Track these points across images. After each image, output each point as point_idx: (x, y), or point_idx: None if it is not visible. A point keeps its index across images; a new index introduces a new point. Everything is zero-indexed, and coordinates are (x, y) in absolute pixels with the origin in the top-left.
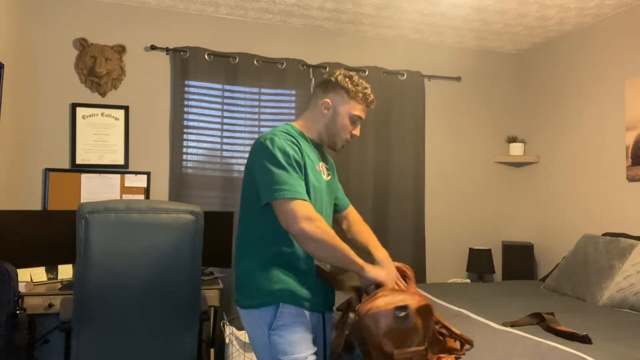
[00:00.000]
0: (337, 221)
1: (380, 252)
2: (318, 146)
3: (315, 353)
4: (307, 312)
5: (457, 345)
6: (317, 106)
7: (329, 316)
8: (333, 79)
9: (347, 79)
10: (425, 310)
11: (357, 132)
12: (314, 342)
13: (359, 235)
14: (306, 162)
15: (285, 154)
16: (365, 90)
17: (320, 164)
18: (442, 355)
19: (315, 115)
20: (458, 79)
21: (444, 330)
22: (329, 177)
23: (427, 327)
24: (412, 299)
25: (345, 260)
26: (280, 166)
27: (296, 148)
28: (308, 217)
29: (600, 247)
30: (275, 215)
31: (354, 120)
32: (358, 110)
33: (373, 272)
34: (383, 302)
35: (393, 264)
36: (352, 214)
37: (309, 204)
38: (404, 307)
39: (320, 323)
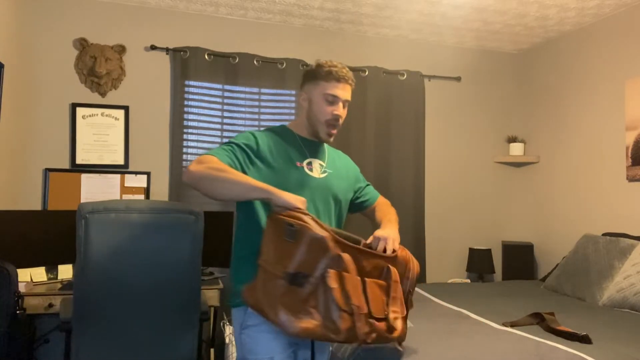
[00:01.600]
0: (369, 218)
1: (385, 217)
2: (311, 143)
3: (294, 353)
4: None
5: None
6: (300, 103)
7: None
8: (305, 71)
9: (314, 66)
10: (318, 244)
11: (339, 111)
12: (296, 344)
13: (377, 214)
14: (275, 155)
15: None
16: (332, 68)
17: (309, 160)
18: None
19: (300, 112)
20: (458, 79)
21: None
22: (324, 174)
23: (309, 259)
24: (316, 228)
25: (244, 189)
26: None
27: (252, 138)
28: (199, 161)
29: (600, 247)
30: (248, 216)
31: (330, 100)
32: (330, 88)
33: (283, 194)
34: (289, 214)
35: (395, 229)
36: (379, 204)
37: (212, 157)
38: (292, 225)
39: None
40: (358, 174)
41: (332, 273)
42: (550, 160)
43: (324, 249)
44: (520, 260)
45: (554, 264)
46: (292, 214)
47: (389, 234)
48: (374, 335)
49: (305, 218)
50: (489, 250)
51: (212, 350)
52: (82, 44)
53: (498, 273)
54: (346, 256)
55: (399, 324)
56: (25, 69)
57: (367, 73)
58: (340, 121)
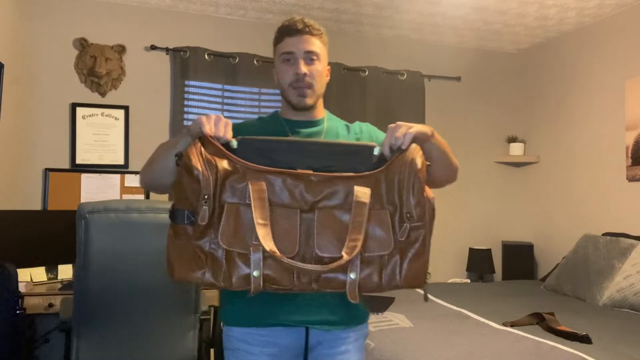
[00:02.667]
0: None
1: None
2: (298, 124)
3: None
4: (268, 330)
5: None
6: None
7: (318, 334)
8: None
9: None
10: (193, 175)
11: (301, 68)
12: None
13: None
14: None
15: None
16: (283, 24)
17: None
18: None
19: None
20: (458, 79)
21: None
22: None
23: (190, 193)
24: (192, 156)
25: (173, 143)
26: None
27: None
28: None
29: (600, 247)
30: None
31: (286, 59)
32: (282, 47)
33: (190, 126)
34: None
35: (421, 126)
36: None
37: None
38: (179, 154)
39: (302, 340)
40: (373, 136)
41: (226, 207)
42: (550, 160)
43: (197, 181)
44: (520, 260)
45: (554, 264)
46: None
47: (402, 123)
48: (314, 285)
49: (190, 146)
50: (489, 250)
51: (212, 350)
52: (82, 44)
53: (498, 273)
54: (255, 185)
55: (352, 255)
56: (25, 69)
57: (367, 73)
58: (309, 79)
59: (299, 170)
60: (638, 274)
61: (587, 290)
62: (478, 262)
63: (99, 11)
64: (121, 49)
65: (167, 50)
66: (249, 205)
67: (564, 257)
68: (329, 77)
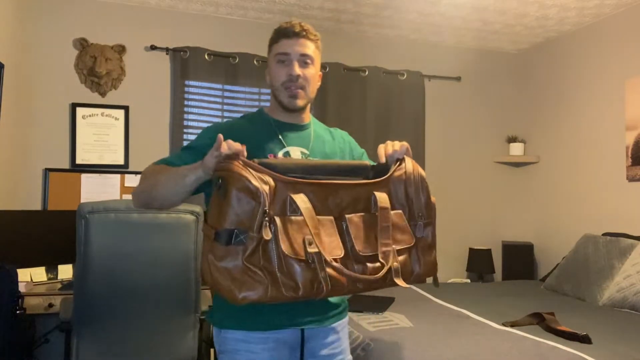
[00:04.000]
0: None
1: None
2: (289, 127)
3: None
4: (263, 334)
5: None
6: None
7: (315, 332)
8: None
9: None
10: (247, 193)
11: (295, 70)
12: None
13: None
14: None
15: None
16: (281, 26)
17: (286, 150)
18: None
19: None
20: (458, 79)
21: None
22: None
23: (242, 212)
24: (243, 174)
25: (180, 176)
26: None
27: (210, 134)
28: (140, 178)
29: (600, 247)
30: None
31: (282, 60)
32: (278, 47)
33: (205, 161)
34: (219, 166)
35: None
36: None
37: (149, 167)
38: (218, 177)
39: (298, 335)
40: (352, 147)
41: (276, 221)
42: (550, 160)
43: (254, 197)
44: (520, 260)
45: (554, 264)
46: (221, 165)
47: (390, 142)
48: (360, 285)
49: (231, 166)
50: (489, 250)
51: (212, 350)
52: (82, 44)
53: (498, 273)
54: (299, 197)
55: (389, 258)
56: (25, 69)
57: (367, 73)
58: (302, 81)
59: (324, 181)
60: (638, 274)
61: (587, 290)
62: (478, 262)
63: (99, 11)
64: (121, 49)
65: (167, 50)
66: (296, 215)
67: (564, 257)
68: (319, 83)
